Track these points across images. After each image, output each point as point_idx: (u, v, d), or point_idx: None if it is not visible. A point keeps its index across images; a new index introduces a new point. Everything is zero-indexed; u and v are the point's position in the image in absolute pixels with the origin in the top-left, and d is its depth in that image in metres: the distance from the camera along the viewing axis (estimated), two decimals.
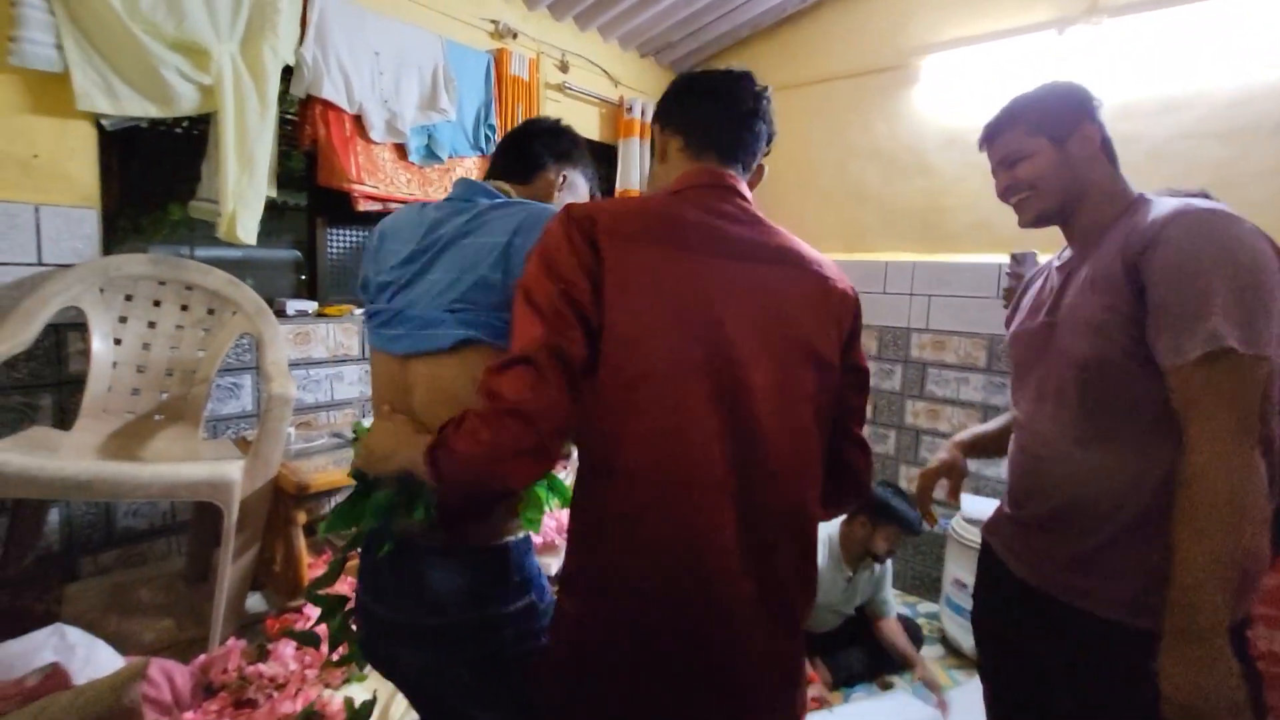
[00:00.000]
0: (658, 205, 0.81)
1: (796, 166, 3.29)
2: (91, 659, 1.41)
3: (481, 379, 0.71)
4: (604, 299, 0.73)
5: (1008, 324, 1.24)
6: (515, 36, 2.76)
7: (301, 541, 1.69)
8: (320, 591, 1.06)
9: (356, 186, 2.20)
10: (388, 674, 0.98)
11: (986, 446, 1.28)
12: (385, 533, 0.89)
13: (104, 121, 1.81)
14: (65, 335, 1.80)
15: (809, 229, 3.28)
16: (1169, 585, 0.81)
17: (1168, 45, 2.31)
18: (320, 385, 2.27)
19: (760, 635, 0.78)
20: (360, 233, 2.47)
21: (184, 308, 1.94)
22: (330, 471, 1.71)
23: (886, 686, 2.22)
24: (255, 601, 1.86)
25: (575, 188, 1.08)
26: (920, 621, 2.62)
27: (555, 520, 1.79)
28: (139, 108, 1.79)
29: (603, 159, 3.41)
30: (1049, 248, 1.19)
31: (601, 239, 0.74)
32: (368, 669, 1.50)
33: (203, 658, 1.53)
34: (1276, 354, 0.82)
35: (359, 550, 0.99)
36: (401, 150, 2.34)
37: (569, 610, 0.78)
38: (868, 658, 2.27)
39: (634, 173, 3.28)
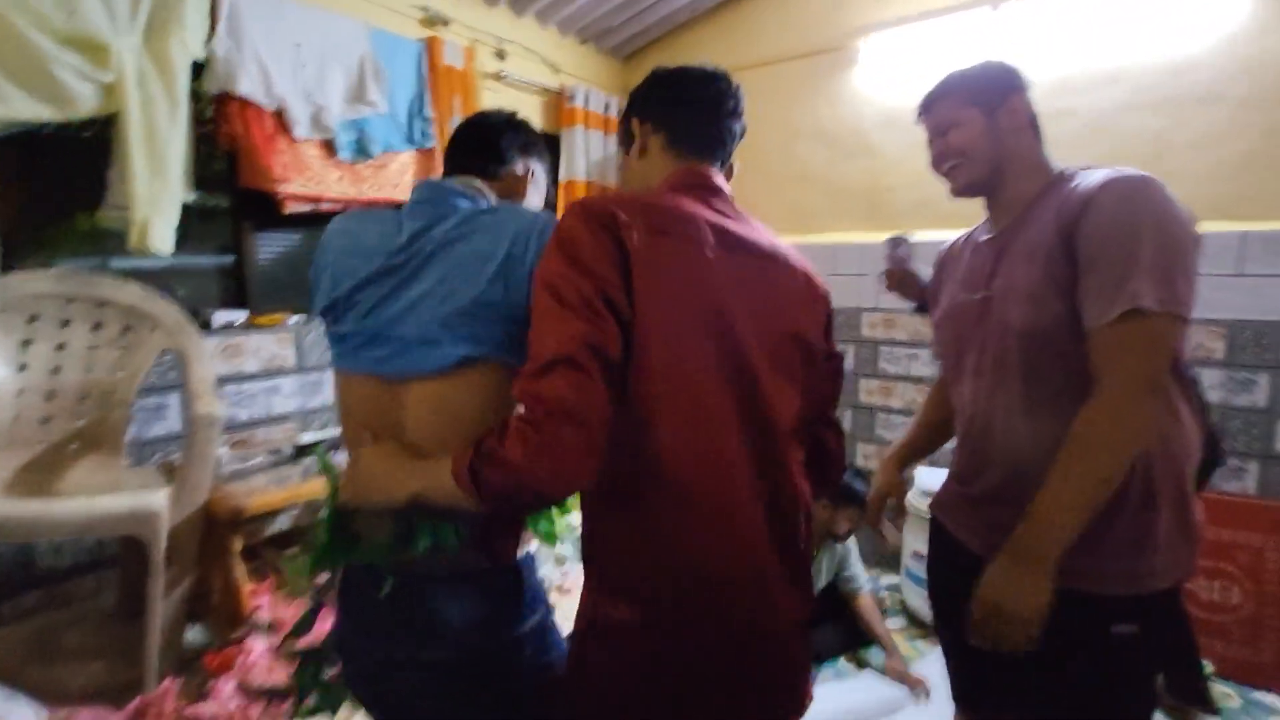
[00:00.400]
0: (667, 201, 0.81)
1: (742, 149, 3.22)
2: (9, 718, 1.30)
3: (519, 385, 0.70)
4: (634, 294, 0.72)
5: (930, 307, 1.27)
6: (447, 24, 2.65)
7: (240, 569, 1.60)
8: (299, 643, 0.98)
9: (282, 187, 2.07)
10: (382, 714, 0.92)
11: (921, 449, 1.34)
12: (383, 568, 0.82)
13: None
14: None
15: (758, 212, 3.21)
16: (1027, 509, 0.90)
17: (1100, 19, 2.36)
18: (255, 400, 2.15)
19: (792, 610, 0.85)
20: (292, 235, 2.34)
21: (97, 326, 1.80)
22: (269, 492, 1.62)
23: (861, 664, 2.24)
24: (196, 635, 1.76)
25: (539, 182, 1.05)
26: (883, 595, 2.67)
27: None
28: (31, 110, 1.63)
29: (546, 148, 3.32)
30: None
31: (625, 233, 0.73)
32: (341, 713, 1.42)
33: (137, 701, 1.43)
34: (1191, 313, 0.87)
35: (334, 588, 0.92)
36: (330, 147, 2.22)
37: (623, 617, 0.76)
38: (838, 636, 2.29)
39: (579, 161, 3.20)
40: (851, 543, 2.34)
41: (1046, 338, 0.94)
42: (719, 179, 0.89)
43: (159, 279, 2.09)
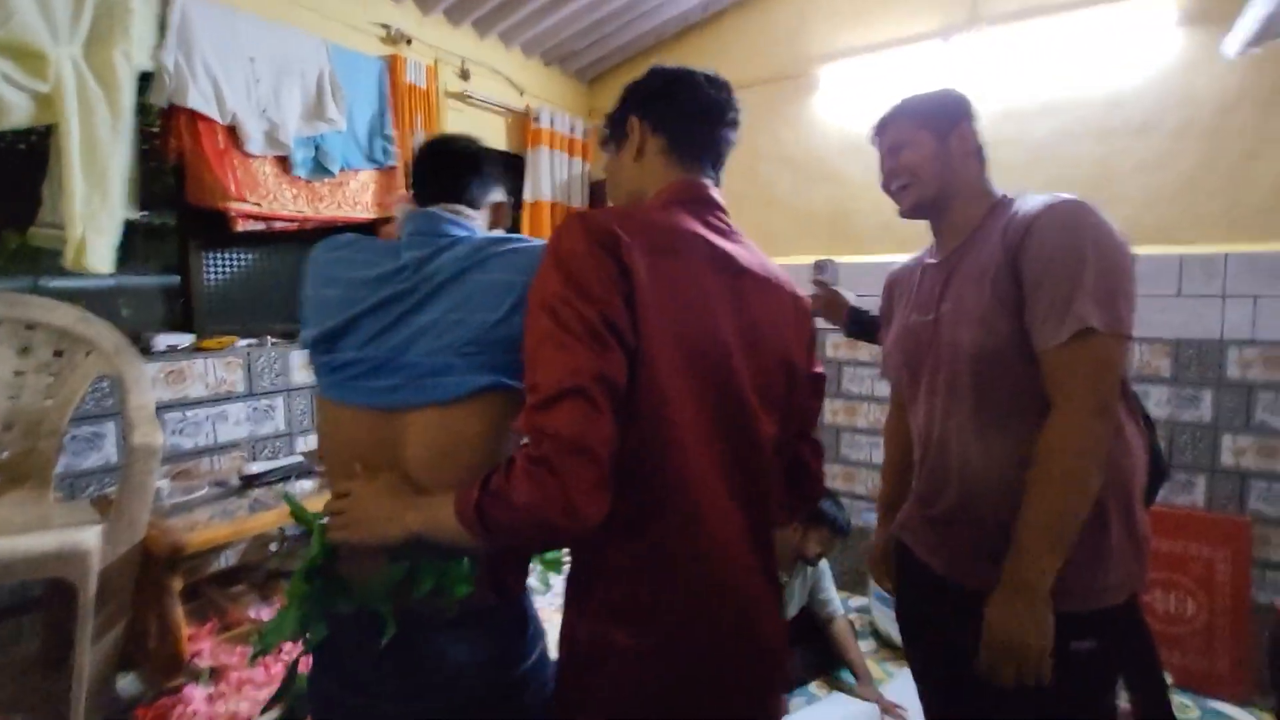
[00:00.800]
0: (664, 219, 0.79)
1: None
2: None
3: (524, 418, 0.67)
4: (637, 319, 0.70)
5: (882, 329, 1.30)
6: (409, 42, 2.61)
7: (179, 611, 1.48)
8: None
9: (234, 204, 1.99)
10: None
11: (901, 494, 1.32)
12: (381, 615, 0.76)
13: None
14: None
15: None
16: (1011, 544, 0.91)
17: (1045, 52, 2.47)
18: (200, 428, 2.03)
19: (777, 633, 0.85)
20: (243, 255, 2.25)
21: (25, 350, 1.67)
22: (213, 526, 1.51)
23: (834, 687, 2.21)
24: (128, 684, 1.62)
25: (506, 212, 1.04)
26: (852, 617, 2.66)
27: None
28: None
29: (511, 170, 3.30)
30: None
31: (627, 254, 0.71)
32: None
33: None
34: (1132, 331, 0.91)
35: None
36: (285, 163, 2.14)
37: (625, 644, 0.73)
38: (811, 660, 2.26)
39: (544, 183, 3.19)
40: (824, 566, 2.33)
41: (995, 359, 0.96)
42: (716, 193, 0.87)
43: (99, 300, 1.98)
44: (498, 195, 0.98)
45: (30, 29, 1.58)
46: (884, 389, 2.87)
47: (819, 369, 0.95)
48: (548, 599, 2.08)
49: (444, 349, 0.79)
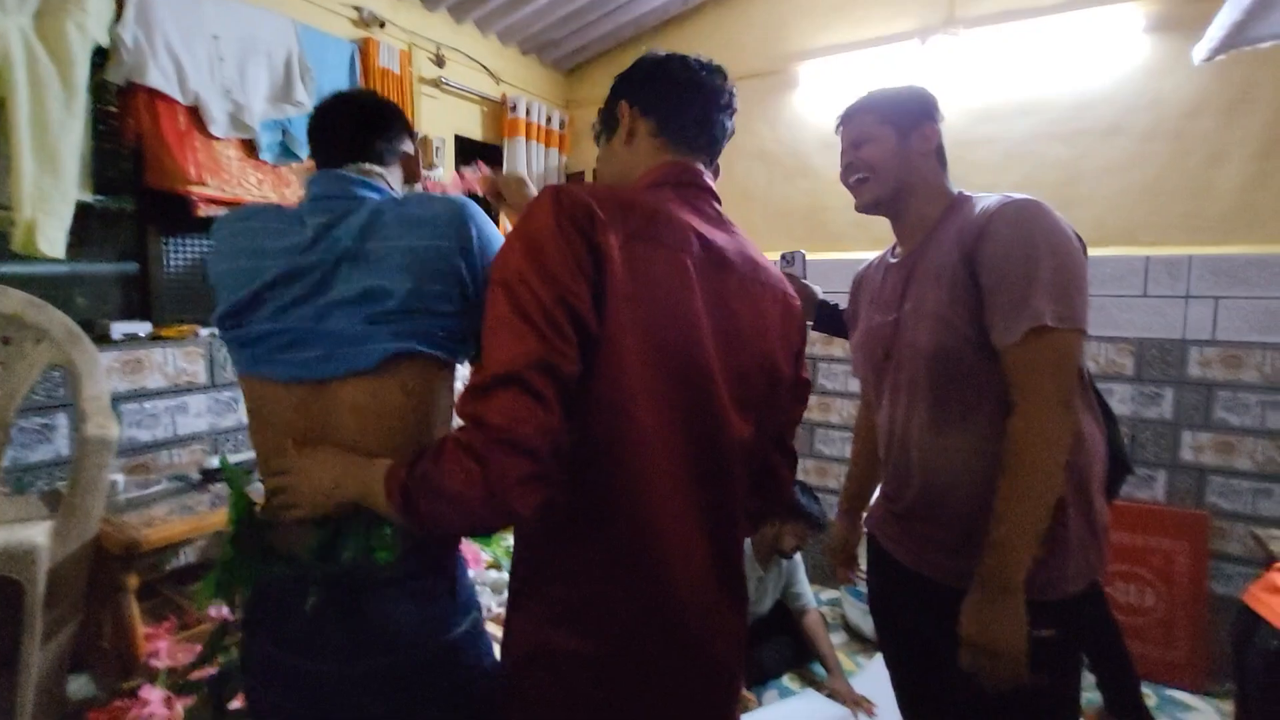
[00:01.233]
0: (650, 201, 0.74)
1: None
2: None
3: (460, 400, 0.63)
4: (605, 306, 0.65)
5: (850, 328, 1.31)
6: (383, 25, 2.54)
7: (134, 610, 1.42)
8: (195, 675, 0.87)
9: (195, 188, 1.91)
10: None
11: (867, 491, 1.37)
12: (308, 580, 0.75)
13: None
14: None
15: None
16: (984, 541, 0.92)
17: (1018, 55, 2.50)
18: (159, 420, 1.96)
19: (734, 632, 0.81)
20: (205, 241, 2.16)
21: None
22: (171, 523, 1.45)
23: (805, 681, 2.23)
24: (80, 686, 1.56)
25: (416, 164, 1.01)
26: (824, 610, 2.68)
27: None
28: None
29: (488, 159, 3.24)
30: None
31: (601, 235, 0.66)
32: None
33: None
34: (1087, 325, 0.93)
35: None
36: (250, 147, 2.07)
37: (573, 648, 0.70)
38: (783, 653, 2.28)
39: (520, 173, 3.13)
40: (798, 559, 2.34)
41: (954, 358, 0.97)
42: (708, 178, 0.83)
43: (53, 287, 1.89)
44: (406, 147, 0.94)
45: None
46: (856, 385, 2.89)
47: (805, 375, 0.90)
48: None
49: (360, 318, 0.77)
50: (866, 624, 2.51)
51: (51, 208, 1.62)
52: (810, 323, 1.55)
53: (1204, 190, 2.27)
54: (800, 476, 3.01)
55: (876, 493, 1.22)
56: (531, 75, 3.38)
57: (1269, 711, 1.09)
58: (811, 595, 2.36)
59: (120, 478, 1.66)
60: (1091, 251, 1.04)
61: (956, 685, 1.00)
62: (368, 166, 0.88)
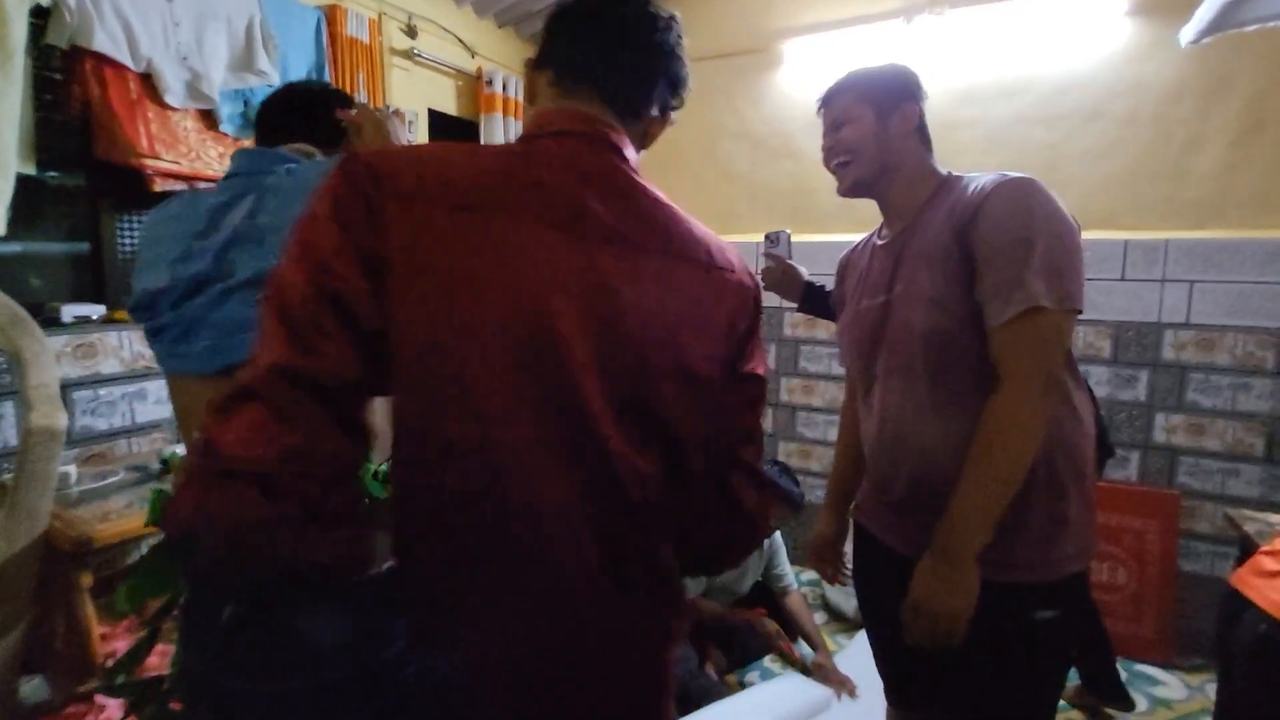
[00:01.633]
0: (495, 158, 0.61)
1: (664, 146, 3.18)
2: None
3: (204, 418, 0.51)
4: (390, 291, 0.53)
5: (836, 312, 1.28)
6: None
7: (89, 609, 1.35)
8: (125, 678, 0.82)
9: (150, 161, 1.80)
10: None
11: (853, 484, 1.32)
12: (223, 589, 0.69)
13: None
14: None
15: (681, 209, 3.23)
16: (947, 510, 0.91)
17: (1002, 36, 2.48)
18: (115, 408, 1.86)
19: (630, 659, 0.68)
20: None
21: None
22: (126, 516, 1.38)
23: (787, 661, 2.23)
24: (34, 689, 1.48)
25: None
26: (804, 591, 2.69)
27: None
28: None
29: (463, 136, 3.14)
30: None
31: (390, 204, 0.53)
32: None
33: None
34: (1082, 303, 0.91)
35: (176, 613, 0.76)
36: (210, 118, 1.96)
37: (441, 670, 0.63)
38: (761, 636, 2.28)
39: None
40: (778, 540, 2.34)
41: (949, 338, 0.95)
42: (611, 130, 0.65)
43: (3, 266, 1.77)
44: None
45: None
46: (840, 368, 2.89)
47: (755, 368, 0.72)
48: None
49: (253, 304, 0.70)
50: (847, 604, 2.53)
51: None
52: (795, 305, 1.52)
53: (1182, 175, 2.29)
54: (782, 459, 3.01)
55: (864, 484, 1.20)
56: (509, 49, 3.27)
57: (1255, 694, 1.10)
58: (793, 576, 2.37)
59: (73, 469, 1.57)
60: None
61: (947, 671, 1.00)
62: (300, 145, 0.85)
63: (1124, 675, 2.15)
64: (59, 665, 1.46)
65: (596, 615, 0.63)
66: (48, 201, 1.85)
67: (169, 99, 1.82)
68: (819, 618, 2.56)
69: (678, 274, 0.64)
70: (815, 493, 2.82)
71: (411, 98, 2.76)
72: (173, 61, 1.82)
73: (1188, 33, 1.56)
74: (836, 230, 2.84)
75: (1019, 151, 2.48)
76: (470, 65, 3.01)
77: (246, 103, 2.03)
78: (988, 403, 0.90)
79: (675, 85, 0.71)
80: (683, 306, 0.64)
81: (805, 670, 2.10)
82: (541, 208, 0.58)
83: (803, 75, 2.87)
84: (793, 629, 2.24)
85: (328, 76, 2.28)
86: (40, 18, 1.60)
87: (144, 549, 1.47)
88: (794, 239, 1.51)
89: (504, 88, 3.05)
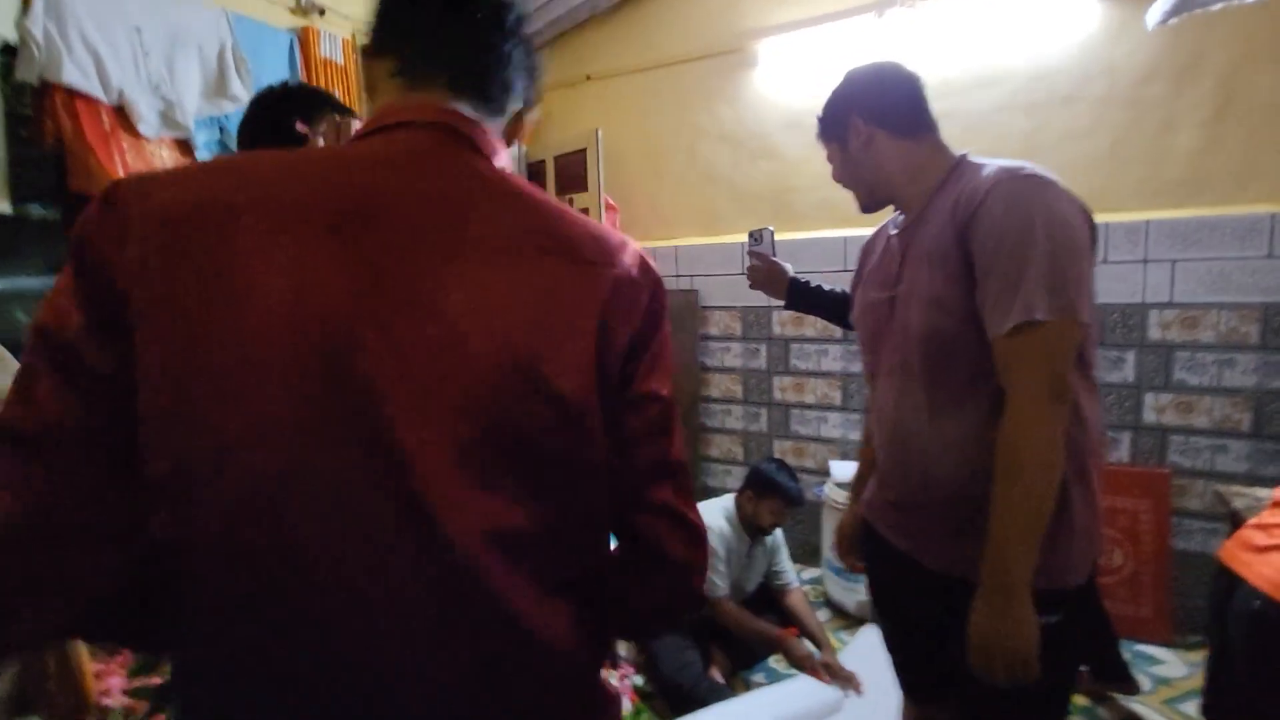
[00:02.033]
0: (311, 163, 0.53)
1: (645, 150, 3.24)
2: None
3: None
4: (133, 327, 0.45)
5: (852, 299, 1.26)
6: (323, 13, 2.42)
7: (80, 646, 1.34)
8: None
9: None
10: None
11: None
12: None
13: None
14: None
15: (663, 213, 3.24)
16: (985, 540, 0.87)
17: (975, 26, 2.49)
18: None
19: None
20: None
21: None
22: None
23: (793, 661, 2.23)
24: None
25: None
26: (806, 588, 2.70)
27: None
28: None
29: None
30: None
31: (137, 228, 0.45)
32: None
33: None
34: (1091, 311, 0.88)
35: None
36: (186, 147, 1.96)
37: None
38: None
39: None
40: (781, 538, 2.35)
41: (948, 342, 0.93)
42: (465, 121, 0.57)
43: None
44: (317, 139, 0.87)
45: None
46: (830, 364, 2.90)
47: (653, 388, 0.58)
48: None
49: None
50: (849, 600, 2.54)
51: None
52: (782, 300, 1.52)
53: (1159, 156, 2.30)
54: (777, 457, 3.01)
55: (872, 479, 1.18)
56: None
57: (1252, 670, 1.10)
58: (794, 574, 2.37)
59: None
60: None
61: (959, 671, 0.98)
62: None
63: (1126, 656, 2.16)
64: (53, 705, 1.45)
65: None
66: (26, 237, 1.84)
67: (142, 129, 1.82)
68: (822, 615, 2.57)
69: (536, 273, 0.52)
70: (813, 489, 2.82)
71: None
72: (145, 91, 1.82)
73: (1154, 14, 1.58)
74: (818, 227, 2.85)
75: (997, 140, 2.50)
76: None
77: (222, 129, 2.03)
78: (1001, 423, 0.87)
79: (533, 74, 0.64)
80: (537, 312, 0.51)
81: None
82: (340, 218, 0.49)
83: (778, 74, 2.87)
84: (795, 628, 2.25)
85: None
86: (8, 54, 1.60)
87: None
88: (778, 236, 1.51)
89: None
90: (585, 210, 2.99)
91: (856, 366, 2.84)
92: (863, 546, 1.23)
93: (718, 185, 3.09)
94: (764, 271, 1.49)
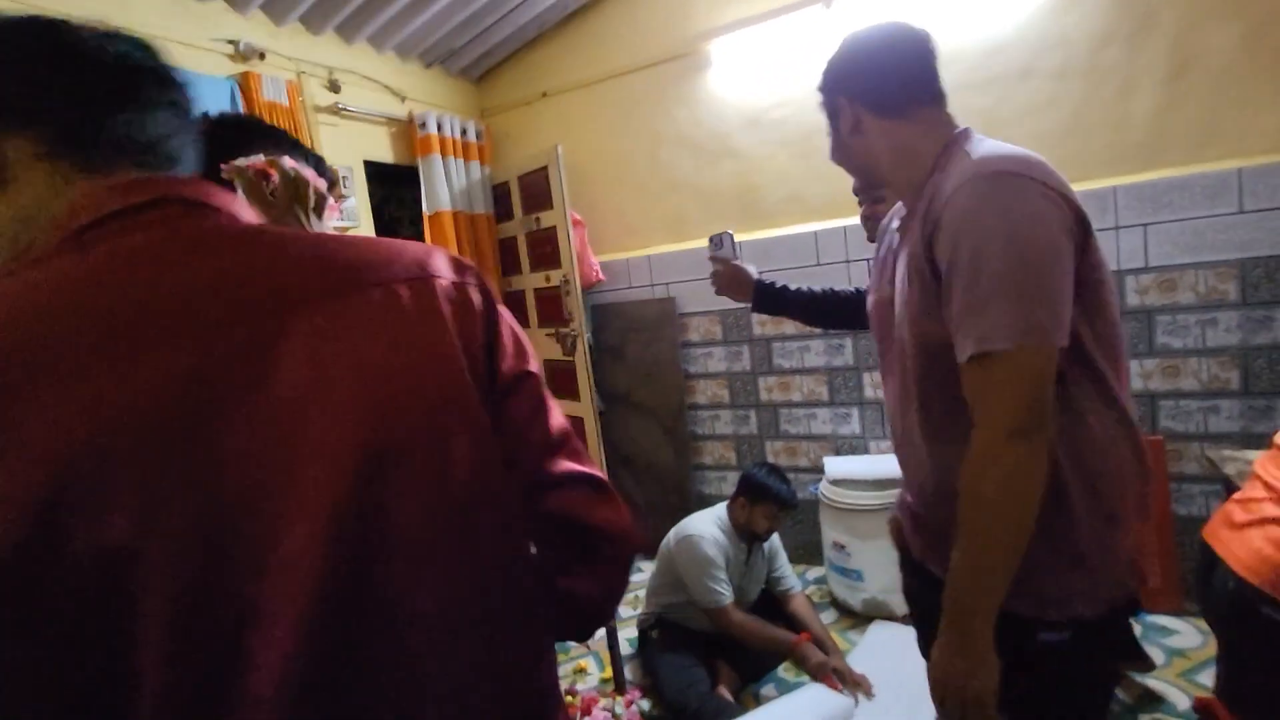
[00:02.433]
0: (53, 295, 0.41)
1: (608, 162, 3.21)
2: None
3: None
4: None
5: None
6: (263, 57, 2.39)
7: None
8: None
9: None
10: None
11: None
12: None
13: None
14: None
15: (631, 223, 3.21)
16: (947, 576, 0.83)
17: (923, 7, 2.47)
18: None
19: None
20: None
21: None
22: None
23: (801, 668, 2.19)
24: None
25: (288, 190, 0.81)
26: (809, 590, 2.66)
27: None
28: None
29: (404, 182, 3.11)
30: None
31: None
32: None
33: None
34: (1096, 322, 0.80)
35: None
36: None
37: None
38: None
39: (441, 192, 3.01)
40: (778, 542, 2.31)
41: (936, 355, 0.85)
42: (195, 188, 0.50)
43: None
44: (240, 163, 0.78)
45: None
46: (813, 359, 2.87)
47: (522, 366, 0.58)
48: None
49: None
50: (854, 599, 2.50)
51: None
52: (748, 304, 1.48)
53: (1120, 121, 2.28)
54: (770, 459, 2.98)
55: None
56: (439, 88, 3.24)
57: (1231, 646, 1.08)
58: (795, 578, 2.33)
59: None
60: None
61: None
62: None
63: (1139, 629, 2.13)
64: None
65: None
66: None
67: None
68: (828, 616, 2.53)
69: (377, 311, 0.49)
70: (808, 488, 2.78)
71: (344, 153, 2.72)
72: None
73: None
74: (784, 224, 2.82)
75: (957, 120, 2.47)
76: (401, 110, 2.98)
77: None
78: (967, 451, 0.80)
79: (183, 135, 0.54)
80: (402, 342, 0.49)
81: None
82: (125, 340, 0.40)
83: (733, 74, 2.85)
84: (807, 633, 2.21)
85: None
86: None
87: None
88: (745, 237, 1.48)
89: (439, 128, 3.02)
90: (553, 227, 2.96)
91: (840, 360, 2.81)
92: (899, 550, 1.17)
93: (682, 190, 3.06)
94: (727, 276, 1.45)
